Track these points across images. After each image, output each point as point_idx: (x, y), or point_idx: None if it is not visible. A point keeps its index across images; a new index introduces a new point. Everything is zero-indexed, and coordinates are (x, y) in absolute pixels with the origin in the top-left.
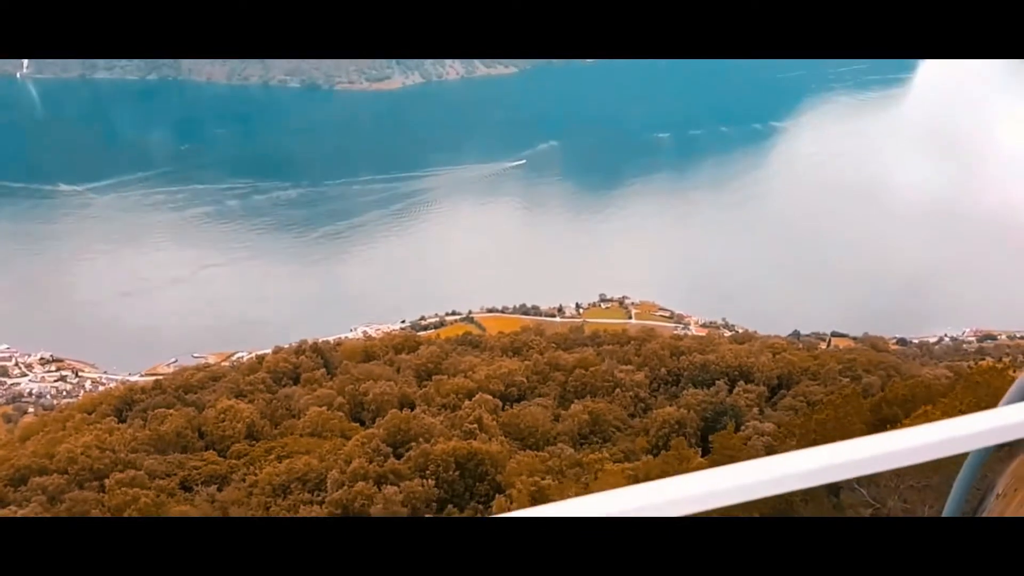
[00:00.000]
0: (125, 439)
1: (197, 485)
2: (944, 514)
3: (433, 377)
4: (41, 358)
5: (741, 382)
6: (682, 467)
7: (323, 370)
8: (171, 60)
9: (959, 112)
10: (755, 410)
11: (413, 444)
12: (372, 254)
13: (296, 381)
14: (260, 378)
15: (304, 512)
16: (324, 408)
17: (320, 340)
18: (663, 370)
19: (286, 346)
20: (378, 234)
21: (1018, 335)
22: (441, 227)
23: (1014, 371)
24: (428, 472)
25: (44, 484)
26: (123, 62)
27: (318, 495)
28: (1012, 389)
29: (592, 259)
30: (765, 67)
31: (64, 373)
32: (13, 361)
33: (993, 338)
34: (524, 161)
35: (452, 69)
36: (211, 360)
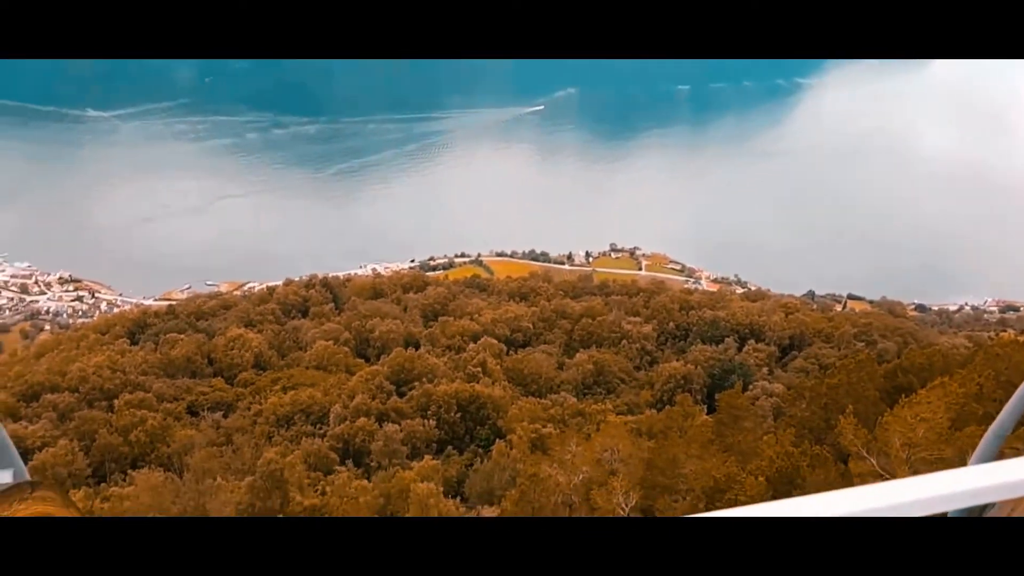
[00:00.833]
0: (136, 361)
1: (203, 410)
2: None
3: (439, 318)
4: (60, 278)
5: (751, 341)
6: (687, 423)
7: (331, 305)
8: None
9: (991, 74)
10: (764, 370)
11: (416, 384)
12: (385, 193)
13: (305, 314)
14: (270, 309)
15: (306, 444)
16: (330, 342)
17: (330, 275)
18: (671, 324)
19: (296, 279)
20: (392, 173)
21: None
22: (455, 169)
23: None
24: (430, 412)
25: (55, 401)
26: None
27: (320, 428)
28: (980, 447)
29: (605, 209)
30: None
31: (81, 294)
32: (33, 279)
33: (1016, 309)
34: (542, 107)
35: None
36: (223, 289)
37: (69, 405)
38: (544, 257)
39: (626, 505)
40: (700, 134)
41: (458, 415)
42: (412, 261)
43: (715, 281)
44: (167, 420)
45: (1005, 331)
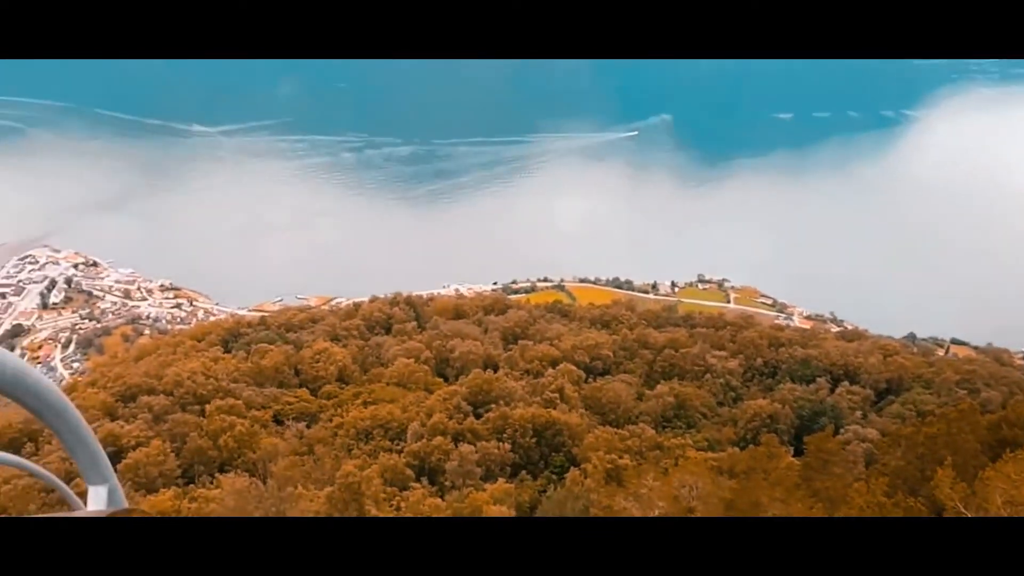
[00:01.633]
0: (228, 369)
1: (288, 420)
2: None
3: (519, 341)
4: (161, 285)
5: (845, 382)
6: (771, 464)
7: (414, 323)
8: None
9: None
10: (858, 414)
11: (493, 406)
12: (472, 214)
13: (388, 331)
14: (355, 324)
15: (384, 459)
16: (411, 360)
17: (414, 294)
18: (759, 360)
19: (382, 296)
20: (480, 195)
21: None
22: (542, 193)
23: None
24: (505, 435)
25: (151, 403)
26: None
27: (398, 444)
28: None
29: (694, 238)
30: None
31: (180, 301)
32: (136, 285)
33: None
34: (636, 133)
35: None
36: (312, 302)
37: (164, 407)
38: (628, 285)
39: None
40: (800, 163)
41: (533, 440)
42: (495, 283)
43: (808, 318)
44: (254, 427)
45: None
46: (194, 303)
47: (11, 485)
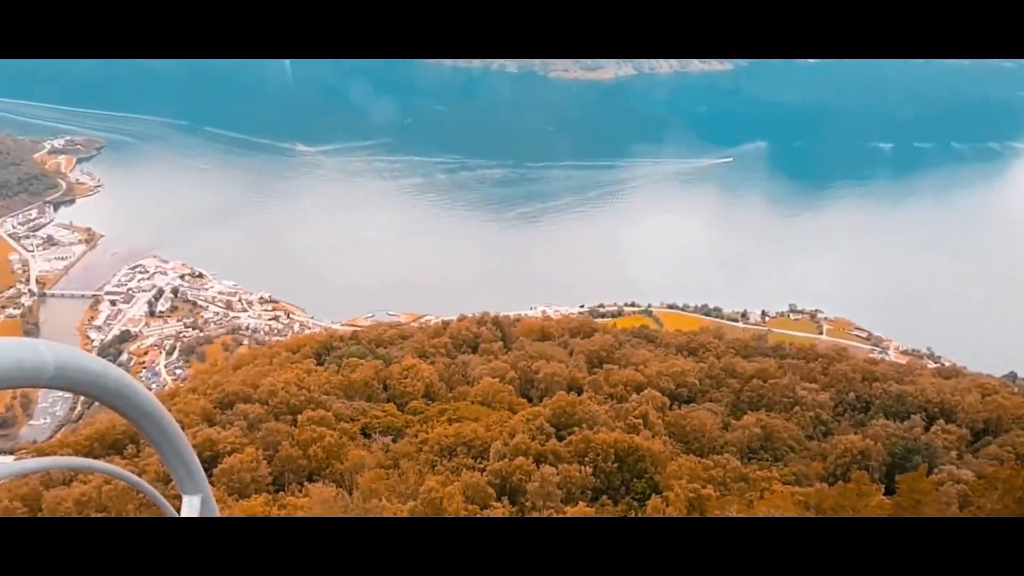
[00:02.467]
0: (320, 381)
1: (375, 433)
2: None
3: (604, 365)
4: (260, 298)
5: (940, 420)
6: (861, 502)
7: (500, 343)
8: None
9: None
10: (953, 454)
11: (576, 429)
12: (562, 237)
13: (474, 350)
14: (443, 342)
15: (466, 476)
16: (496, 379)
17: (501, 314)
18: (851, 394)
19: (470, 315)
20: (570, 219)
21: None
22: (633, 218)
23: None
24: (587, 459)
25: (246, 411)
26: None
27: (480, 462)
28: None
29: (787, 267)
30: (1011, 79)
31: (278, 314)
32: (237, 297)
33: None
34: (731, 160)
35: (665, 62)
36: (403, 319)
37: (258, 416)
38: (717, 313)
39: None
40: (899, 194)
41: (615, 465)
42: (582, 306)
43: (904, 353)
44: (342, 439)
45: None
46: (291, 316)
47: (111, 486)
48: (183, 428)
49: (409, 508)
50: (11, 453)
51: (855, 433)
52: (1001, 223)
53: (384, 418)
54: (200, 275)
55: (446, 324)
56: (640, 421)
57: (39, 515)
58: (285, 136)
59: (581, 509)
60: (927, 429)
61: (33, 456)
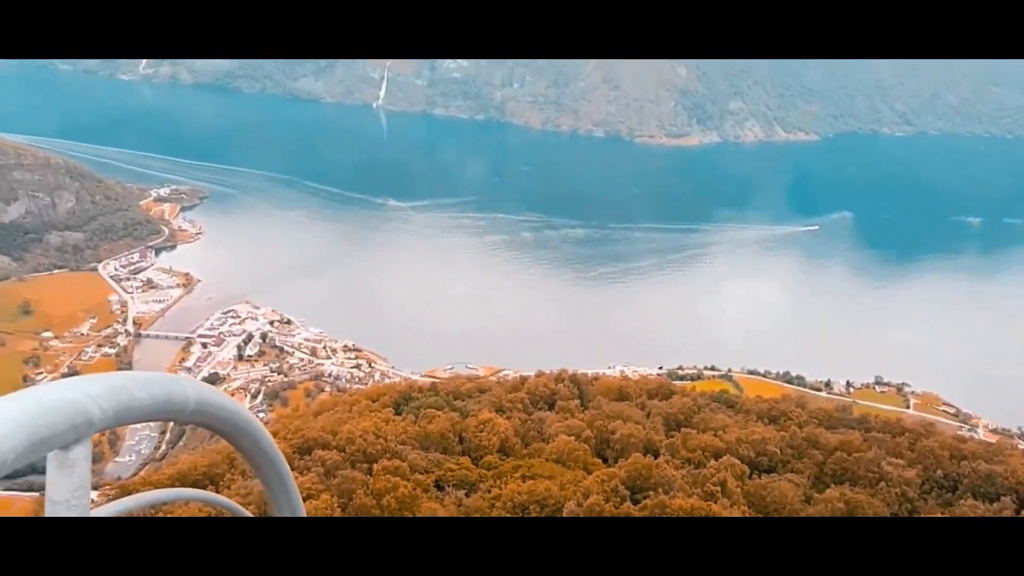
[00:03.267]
0: (397, 430)
1: (448, 486)
2: None
3: (682, 429)
4: (344, 346)
5: None
6: None
7: (577, 401)
8: (496, 101)
9: None
10: None
11: (651, 493)
12: (642, 298)
13: (551, 407)
14: (520, 397)
15: None
16: (572, 438)
17: (579, 372)
18: (939, 472)
19: (548, 372)
20: (652, 280)
21: None
22: (716, 281)
23: None
24: None
25: (324, 457)
26: (459, 101)
27: None
28: None
29: (872, 338)
30: None
31: (360, 362)
32: (322, 344)
33: None
34: (817, 228)
35: (751, 132)
36: (481, 372)
37: (335, 463)
38: (799, 381)
39: None
40: (989, 269)
41: None
42: (660, 368)
43: (994, 431)
44: (416, 490)
45: None
46: (372, 364)
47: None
48: None
49: None
50: (96, 488)
51: (942, 512)
52: None
53: (458, 471)
54: (288, 321)
55: (524, 379)
56: (718, 488)
57: None
58: (378, 191)
59: None
60: (1018, 512)
61: (117, 491)
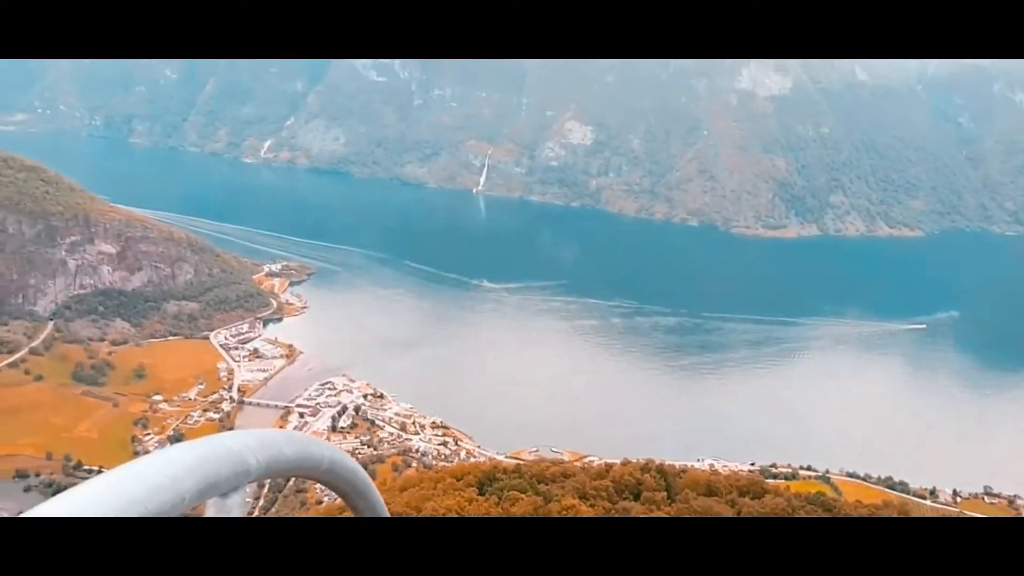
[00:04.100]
0: (479, 510)
1: None
2: None
3: None
4: (433, 422)
5: None
6: None
7: (664, 493)
8: (591, 188)
9: None
10: None
11: None
12: (735, 391)
13: (636, 497)
14: (604, 485)
15: None
16: None
17: (667, 463)
18: None
19: (634, 460)
20: (746, 372)
21: None
22: (813, 377)
23: None
24: None
25: None
26: (555, 188)
27: None
28: None
29: (982, 446)
30: None
31: (447, 439)
32: (412, 420)
33: None
34: (924, 326)
35: (853, 225)
36: (566, 456)
37: None
38: (902, 487)
39: None
40: None
41: None
42: (752, 464)
43: None
44: None
45: None
46: (459, 442)
47: None
48: None
49: None
50: None
51: None
52: None
53: None
54: (381, 396)
55: (609, 467)
56: None
57: None
58: (474, 272)
59: None
60: None
61: None
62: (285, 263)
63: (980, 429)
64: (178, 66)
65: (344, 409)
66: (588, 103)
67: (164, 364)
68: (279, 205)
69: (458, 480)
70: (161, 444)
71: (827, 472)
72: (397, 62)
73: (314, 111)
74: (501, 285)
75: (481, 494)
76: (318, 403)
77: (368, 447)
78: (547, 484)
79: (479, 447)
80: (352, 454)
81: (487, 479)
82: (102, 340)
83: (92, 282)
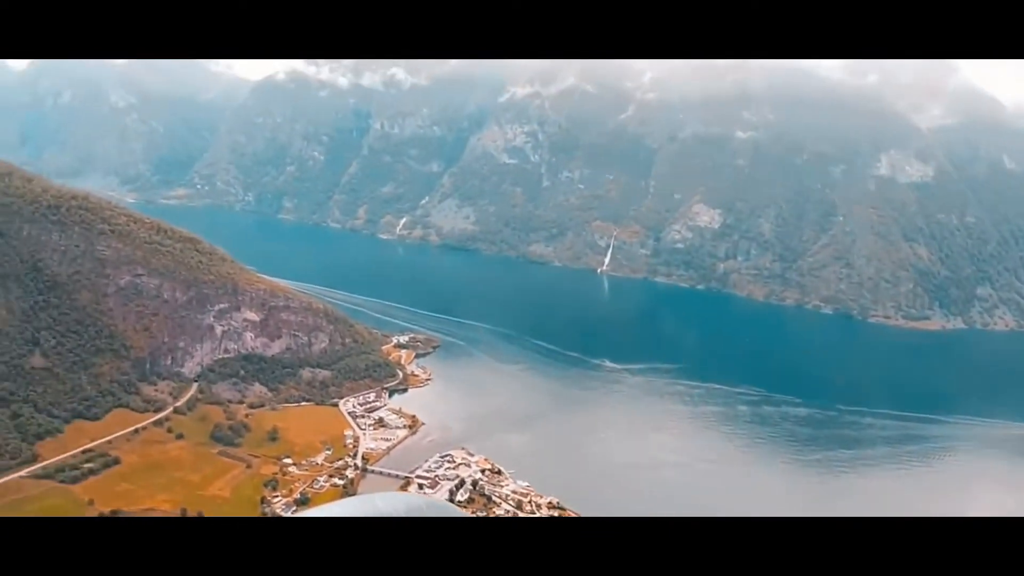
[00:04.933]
0: None
1: None
2: None
3: None
4: (550, 502)
5: None
6: None
7: None
8: (719, 272)
9: None
10: None
11: None
12: (873, 489)
13: None
14: None
15: None
16: None
17: None
18: None
19: None
20: (884, 471)
21: None
22: (961, 484)
23: None
24: None
25: None
26: (681, 270)
27: None
28: None
29: None
30: None
31: None
32: (528, 499)
33: None
34: None
35: (1002, 320)
36: None
37: None
38: None
39: None
40: None
41: None
42: None
43: None
44: None
45: None
46: None
47: None
48: None
49: None
50: None
51: None
52: None
53: None
54: (499, 472)
55: None
56: None
57: None
58: (596, 352)
59: None
60: None
61: None
62: (413, 335)
63: None
64: (326, 148)
65: (462, 483)
66: (717, 186)
67: (296, 428)
68: (410, 279)
69: None
70: (288, 506)
71: None
72: (529, 146)
73: (447, 191)
74: (623, 365)
75: None
76: (437, 475)
77: None
78: None
79: None
80: None
81: None
82: (241, 402)
83: (236, 347)
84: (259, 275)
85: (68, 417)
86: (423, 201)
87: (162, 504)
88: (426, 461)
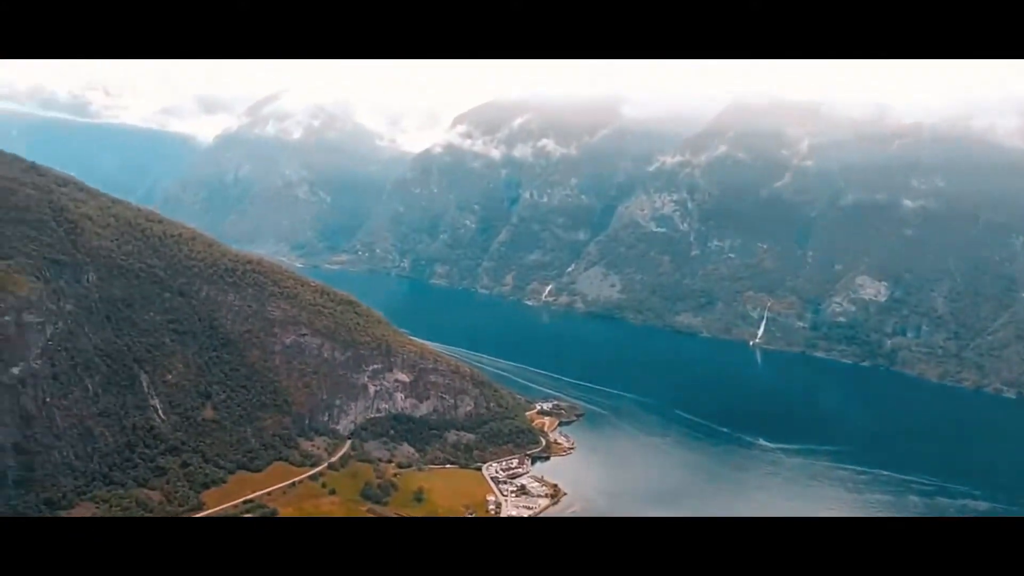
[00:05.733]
0: None
1: None
2: None
3: None
4: None
5: None
6: None
7: None
8: (886, 348)
9: None
10: None
11: None
12: None
13: None
14: None
15: None
16: None
17: None
18: None
19: None
20: None
21: None
22: None
23: None
24: None
25: None
26: (843, 345)
27: None
28: None
29: None
30: None
31: None
32: None
33: None
34: None
35: None
36: None
37: None
38: None
39: None
40: None
41: None
42: None
43: None
44: None
45: None
46: None
47: None
48: None
49: None
50: None
51: None
52: None
53: None
54: None
55: None
56: None
57: None
58: (749, 429)
59: None
60: None
61: None
62: (556, 402)
63: None
64: (477, 216)
65: None
66: (883, 257)
67: (440, 490)
68: (555, 346)
69: None
70: None
71: None
72: (677, 214)
73: (594, 259)
74: (779, 445)
75: None
76: None
77: None
78: None
79: None
80: None
81: None
82: (389, 461)
83: (387, 407)
84: (411, 337)
85: (233, 468)
86: (569, 268)
87: None
88: None
